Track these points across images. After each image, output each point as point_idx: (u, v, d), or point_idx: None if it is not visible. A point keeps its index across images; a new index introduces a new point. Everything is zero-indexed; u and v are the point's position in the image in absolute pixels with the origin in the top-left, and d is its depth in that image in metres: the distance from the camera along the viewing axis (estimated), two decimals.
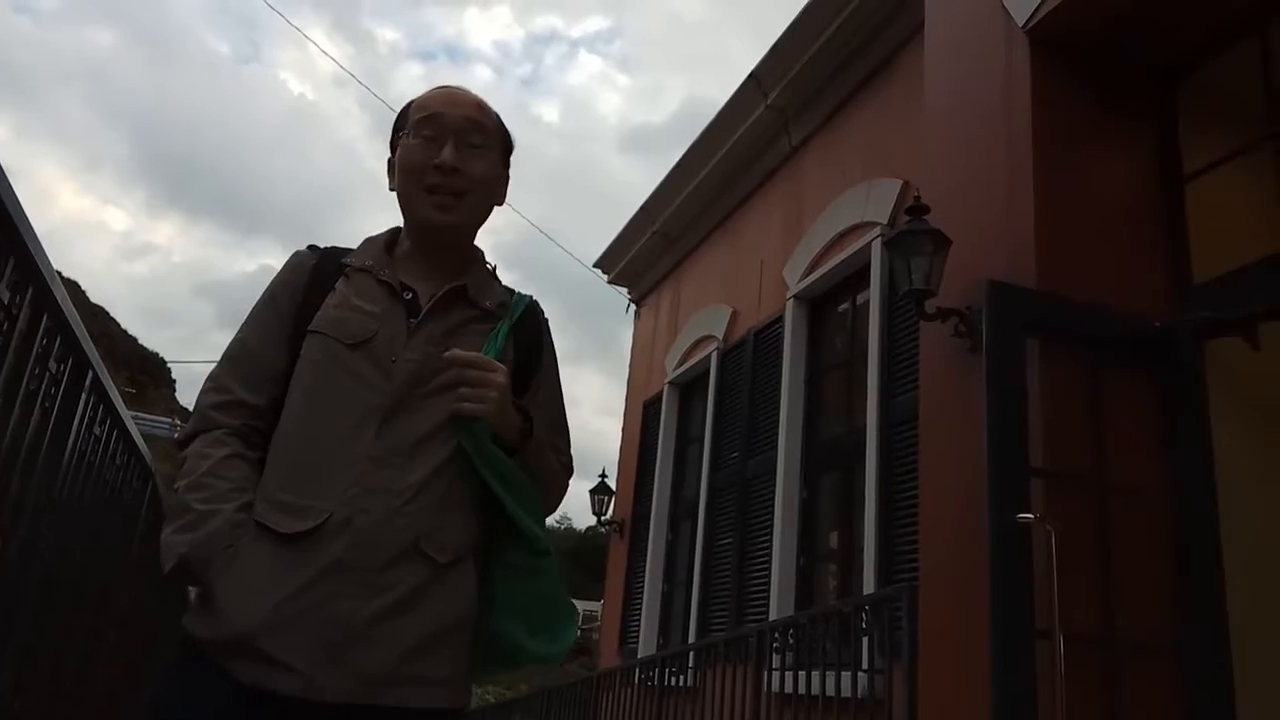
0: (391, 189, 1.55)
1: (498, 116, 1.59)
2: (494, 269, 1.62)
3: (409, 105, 1.58)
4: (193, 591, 1.38)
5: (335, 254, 1.55)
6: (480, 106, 1.56)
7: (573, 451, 1.69)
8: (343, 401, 1.40)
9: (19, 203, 1.30)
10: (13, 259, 1.34)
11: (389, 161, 1.57)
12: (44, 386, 1.61)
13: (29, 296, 1.44)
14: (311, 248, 1.58)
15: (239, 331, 1.52)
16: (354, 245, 1.58)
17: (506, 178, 1.61)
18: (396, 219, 1.58)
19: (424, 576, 1.35)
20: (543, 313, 1.63)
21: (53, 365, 1.63)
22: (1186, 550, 3.14)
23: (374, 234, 1.60)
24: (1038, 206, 3.44)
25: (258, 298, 1.54)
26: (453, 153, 1.49)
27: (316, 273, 1.51)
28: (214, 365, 1.50)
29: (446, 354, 1.42)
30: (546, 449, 1.55)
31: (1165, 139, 3.67)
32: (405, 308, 1.47)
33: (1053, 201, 3.46)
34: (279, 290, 1.52)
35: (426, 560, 1.36)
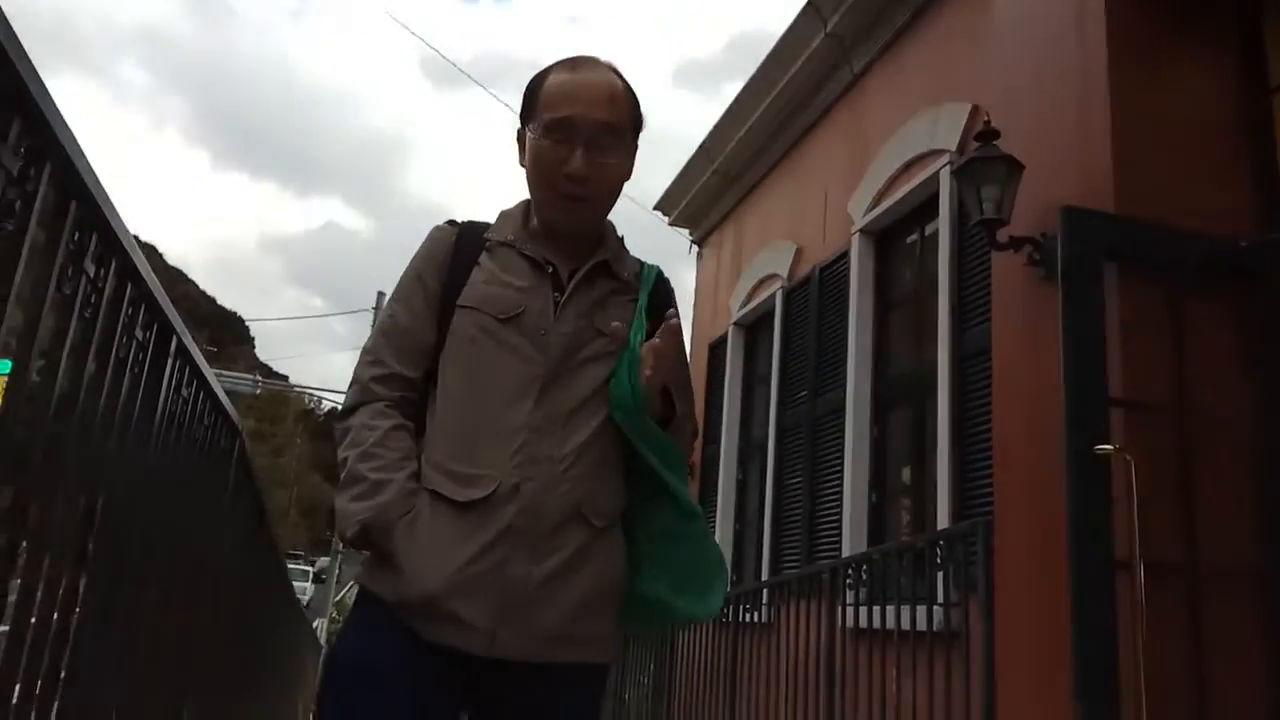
0: (521, 165, 1.57)
1: (629, 100, 1.57)
2: (622, 239, 1.64)
3: (539, 88, 1.56)
4: (356, 554, 1.46)
5: (475, 228, 1.60)
6: (612, 100, 1.54)
7: None
8: (501, 374, 1.47)
9: (100, 182, 1.34)
10: (96, 234, 1.39)
11: (518, 133, 1.58)
12: (133, 353, 1.68)
13: (113, 269, 1.49)
14: (450, 222, 1.63)
15: (387, 307, 1.60)
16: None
17: (635, 151, 1.60)
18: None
19: (585, 540, 1.43)
20: (669, 281, 1.66)
21: (139, 333, 1.69)
22: (1270, 476, 3.06)
23: (507, 207, 1.64)
24: (1114, 126, 3.31)
25: (402, 272, 1.60)
26: (583, 159, 1.49)
27: (459, 248, 1.57)
28: (368, 339, 1.58)
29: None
30: (686, 418, 1.59)
31: (1249, 48, 3.49)
32: (550, 281, 1.52)
33: (1130, 120, 3.33)
34: (424, 266, 1.57)
35: (587, 525, 1.44)
